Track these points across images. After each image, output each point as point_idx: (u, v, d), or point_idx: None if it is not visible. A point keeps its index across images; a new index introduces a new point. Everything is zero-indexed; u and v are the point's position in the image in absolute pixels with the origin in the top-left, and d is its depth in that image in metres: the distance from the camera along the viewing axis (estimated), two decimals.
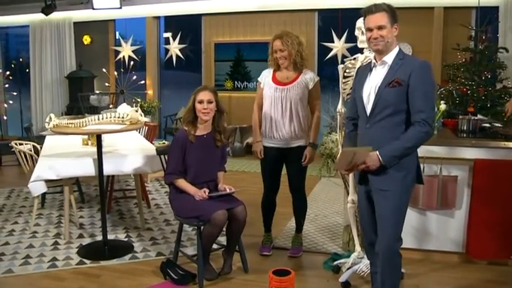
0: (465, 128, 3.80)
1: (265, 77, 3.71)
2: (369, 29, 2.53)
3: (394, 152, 2.46)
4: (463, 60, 5.97)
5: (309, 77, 3.58)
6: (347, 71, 3.22)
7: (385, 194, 2.53)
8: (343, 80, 3.22)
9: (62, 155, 4.08)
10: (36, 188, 3.90)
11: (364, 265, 3.23)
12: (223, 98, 8.15)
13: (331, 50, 7.54)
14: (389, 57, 2.54)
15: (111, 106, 7.90)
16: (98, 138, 3.74)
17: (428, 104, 2.46)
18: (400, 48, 2.57)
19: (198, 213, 3.22)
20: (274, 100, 3.59)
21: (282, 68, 3.62)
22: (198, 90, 3.38)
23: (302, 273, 3.52)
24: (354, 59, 3.22)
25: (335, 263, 3.51)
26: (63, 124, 3.70)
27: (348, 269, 3.32)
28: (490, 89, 5.53)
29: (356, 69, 3.13)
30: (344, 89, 3.22)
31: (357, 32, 3.15)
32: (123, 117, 3.80)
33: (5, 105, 9.47)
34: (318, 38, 7.79)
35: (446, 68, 6.17)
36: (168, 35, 8.66)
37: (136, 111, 3.86)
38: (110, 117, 3.79)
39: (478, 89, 5.48)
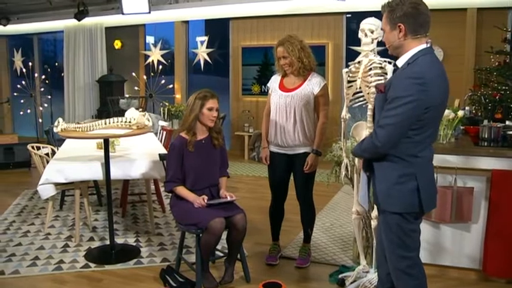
0: (486, 135, 3.57)
1: (273, 83, 3.62)
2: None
3: (357, 147, 2.46)
4: (497, 63, 5.67)
5: (315, 81, 3.45)
6: (351, 75, 3.06)
7: (383, 214, 2.37)
8: (347, 85, 3.07)
9: (72, 159, 4.11)
10: (45, 190, 3.94)
11: (368, 280, 3.06)
12: (251, 103, 8.13)
13: (359, 53, 7.32)
14: (400, 61, 2.29)
15: (140, 110, 8.00)
16: (105, 143, 3.75)
17: (388, 118, 2.18)
18: (416, 52, 2.20)
19: (195, 220, 3.15)
20: (279, 107, 3.50)
21: (289, 74, 3.51)
22: (205, 97, 3.28)
23: (305, 286, 3.38)
24: (358, 62, 3.07)
25: (341, 276, 3.35)
26: (70, 128, 3.73)
27: (352, 283, 3.16)
28: None
29: (360, 73, 2.99)
30: (347, 94, 3.06)
31: (360, 34, 3.01)
32: (129, 122, 3.80)
33: (41, 109, 9.78)
34: (346, 41, 7.61)
35: (479, 72, 5.87)
36: (204, 38, 8.59)
37: (144, 115, 3.85)
38: (117, 122, 3.80)
39: None
